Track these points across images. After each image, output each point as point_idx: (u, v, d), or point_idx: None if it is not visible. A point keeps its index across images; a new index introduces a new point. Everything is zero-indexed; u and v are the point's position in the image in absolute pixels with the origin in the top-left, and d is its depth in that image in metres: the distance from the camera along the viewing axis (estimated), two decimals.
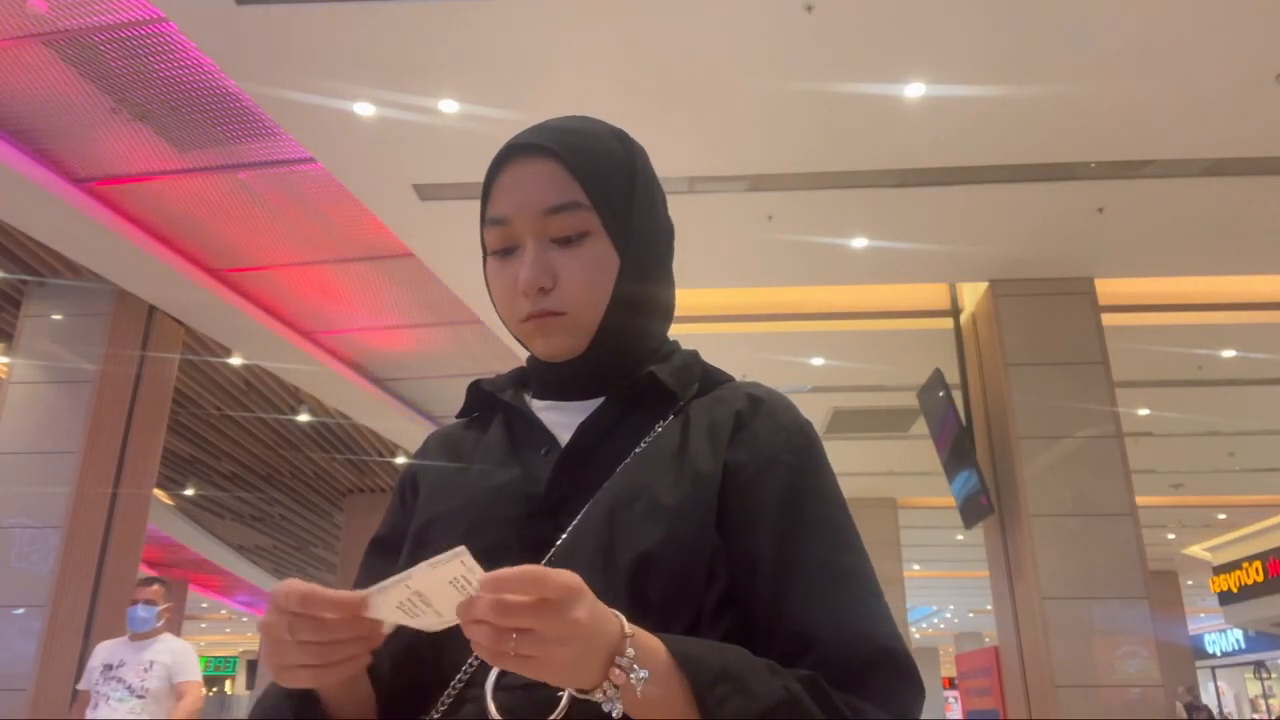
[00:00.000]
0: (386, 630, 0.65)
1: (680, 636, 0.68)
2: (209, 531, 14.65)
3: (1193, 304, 6.52)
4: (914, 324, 6.83)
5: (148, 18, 4.33)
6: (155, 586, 4.26)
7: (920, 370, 6.57)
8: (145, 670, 4.05)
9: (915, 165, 4.92)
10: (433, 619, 0.60)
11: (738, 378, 0.91)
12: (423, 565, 0.56)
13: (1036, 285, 5.98)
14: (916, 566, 15.78)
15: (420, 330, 7.87)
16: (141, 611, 4.16)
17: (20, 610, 6.18)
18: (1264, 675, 21.03)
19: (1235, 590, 14.17)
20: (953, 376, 6.42)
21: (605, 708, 0.60)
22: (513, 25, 3.88)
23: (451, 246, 5.56)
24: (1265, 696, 21.47)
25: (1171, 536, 13.88)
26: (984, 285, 6.22)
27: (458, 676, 0.73)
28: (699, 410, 0.84)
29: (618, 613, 0.64)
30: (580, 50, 4.05)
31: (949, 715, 20.09)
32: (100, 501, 6.65)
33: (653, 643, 0.64)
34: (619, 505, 0.76)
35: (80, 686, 4.20)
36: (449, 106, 4.35)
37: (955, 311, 6.70)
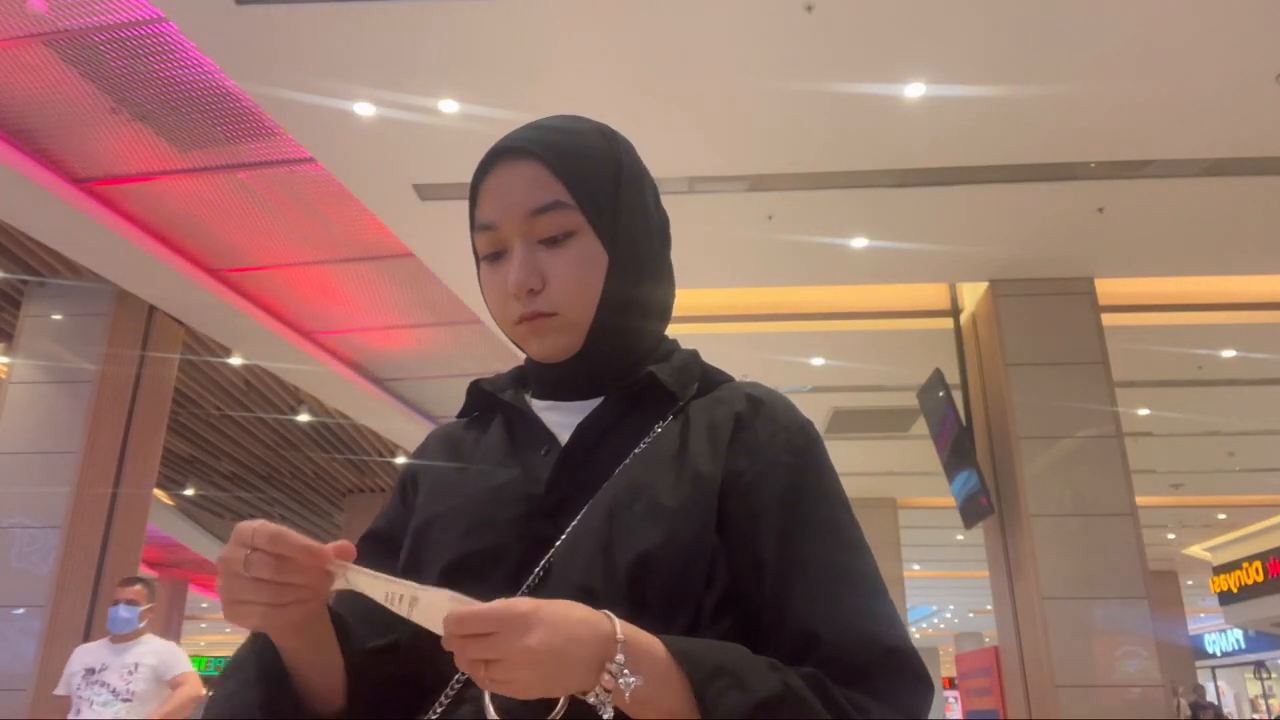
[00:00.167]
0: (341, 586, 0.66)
1: (680, 637, 0.68)
2: (209, 531, 14.64)
3: (1193, 304, 6.52)
4: (914, 324, 6.82)
5: (148, 18, 4.33)
6: (137, 586, 4.12)
7: (920, 370, 6.57)
8: (130, 673, 3.93)
9: (915, 165, 4.92)
10: (416, 620, 0.64)
11: (738, 378, 0.91)
12: (430, 588, 0.63)
13: (1036, 285, 5.98)
14: (916, 566, 15.79)
15: (420, 330, 7.87)
16: (123, 612, 4.02)
17: (20, 610, 6.18)
18: (1264, 675, 21.03)
19: (1235, 590, 14.17)
20: (953, 376, 6.42)
21: (599, 710, 0.61)
22: (513, 25, 3.88)
23: (451, 246, 5.56)
24: (1265, 696, 21.47)
25: (1171, 536, 13.88)
26: (984, 285, 6.22)
27: (456, 676, 0.73)
28: (698, 411, 0.84)
29: (613, 616, 0.64)
30: (580, 50, 4.05)
31: (949, 715, 20.09)
32: (100, 501, 6.65)
33: (650, 643, 0.65)
34: (619, 506, 0.76)
35: (58, 692, 4.04)
36: (449, 106, 4.35)
37: (955, 311, 6.70)
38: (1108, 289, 6.12)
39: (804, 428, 0.84)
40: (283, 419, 10.00)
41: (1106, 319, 5.94)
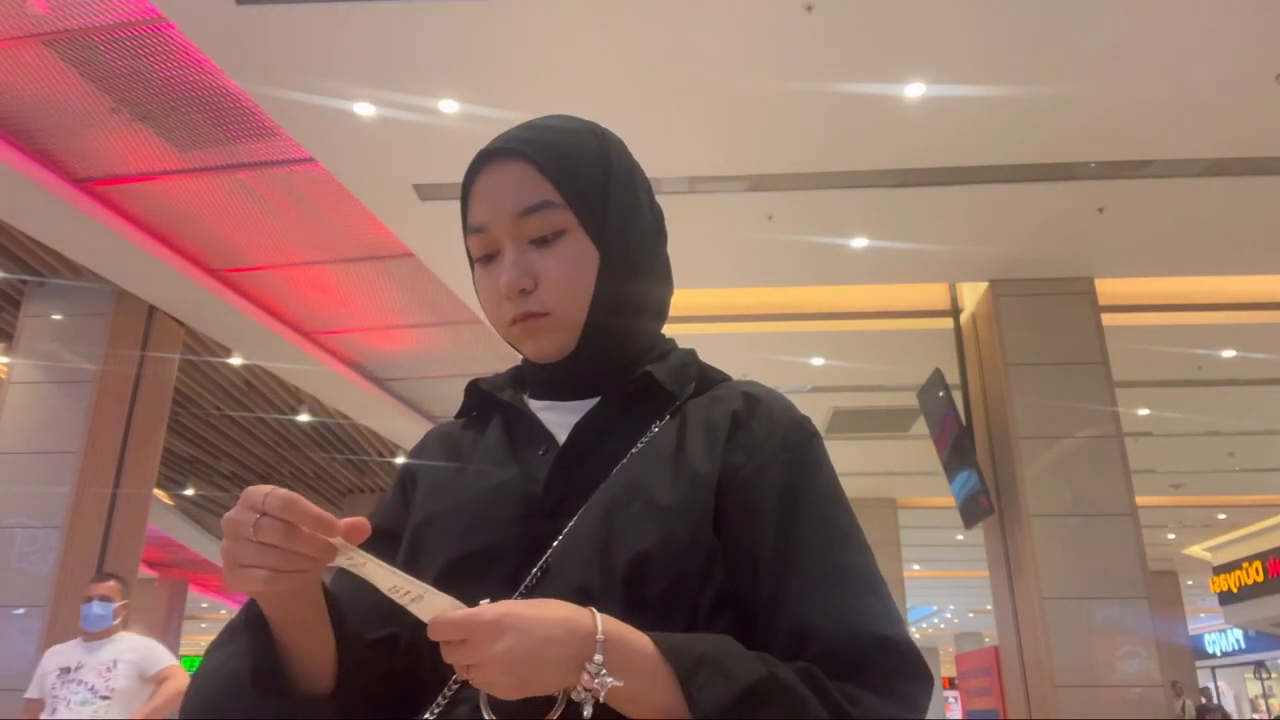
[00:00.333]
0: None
1: (672, 633, 0.68)
2: (209, 531, 14.65)
3: (1193, 304, 6.53)
4: (914, 324, 6.83)
5: (148, 18, 4.33)
6: (111, 583, 3.98)
7: (920, 370, 6.57)
8: (108, 670, 3.81)
9: (915, 165, 4.92)
10: (414, 611, 0.65)
11: (737, 377, 0.91)
12: (436, 592, 0.64)
13: (1036, 285, 5.98)
14: (916, 566, 15.79)
15: (420, 330, 7.87)
16: (97, 609, 3.89)
17: (20, 610, 6.18)
18: (1264, 675, 21.04)
19: (1235, 590, 14.17)
20: (953, 376, 6.42)
21: (581, 708, 0.62)
22: (513, 25, 3.88)
23: (451, 246, 5.54)
24: (1265, 696, 21.48)
25: (1171, 536, 13.88)
26: (984, 285, 6.22)
27: (454, 677, 0.73)
28: (696, 410, 0.84)
29: (596, 613, 0.65)
30: (580, 50, 4.05)
31: (949, 715, 20.10)
32: (100, 501, 6.65)
33: (637, 640, 0.65)
34: (616, 505, 0.76)
35: (30, 694, 3.89)
36: (449, 106, 4.35)
37: (955, 311, 6.70)
38: (1108, 289, 6.12)
39: (801, 425, 0.84)
40: (283, 419, 10.00)
41: (1106, 319, 5.94)
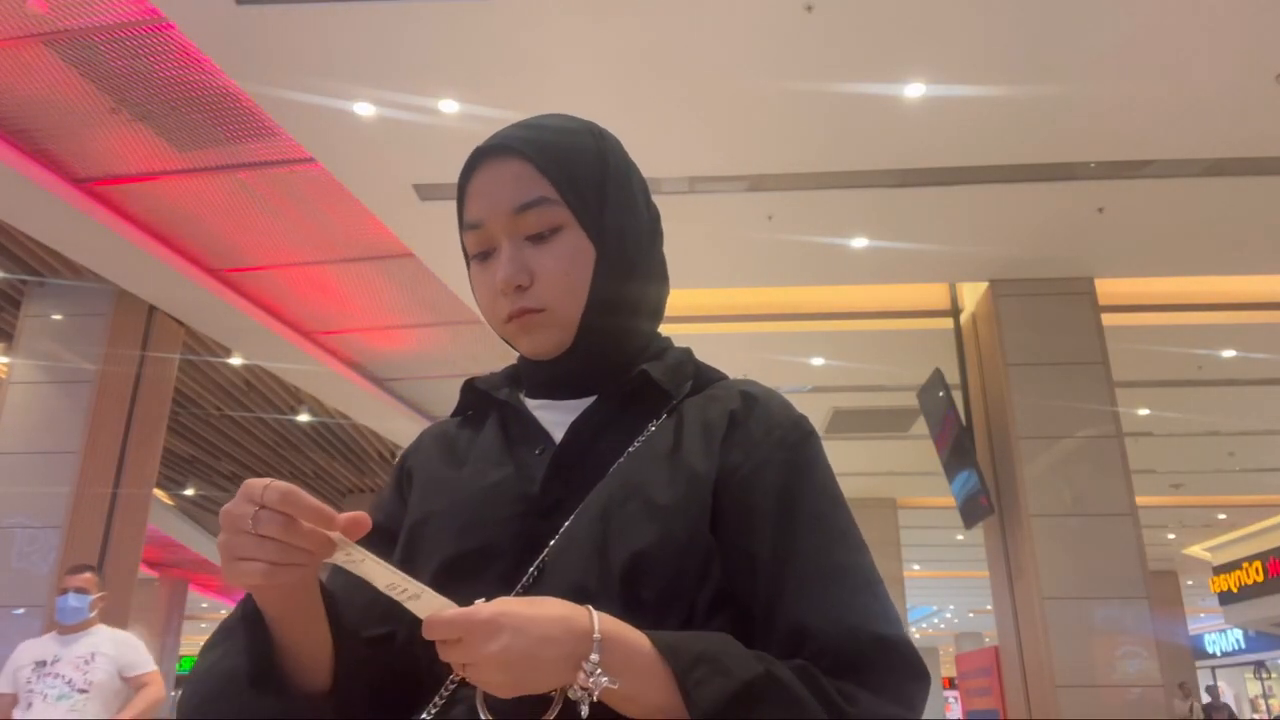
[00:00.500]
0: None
1: (668, 631, 0.68)
2: (209, 531, 14.65)
3: (1193, 304, 6.53)
4: (914, 324, 6.83)
5: (148, 18, 4.33)
6: (87, 574, 3.89)
7: (920, 370, 6.58)
8: (86, 663, 3.72)
9: (915, 165, 4.92)
10: (412, 609, 0.65)
11: (737, 377, 0.91)
12: (433, 593, 0.64)
13: (1036, 285, 5.98)
14: (916, 566, 15.79)
15: (420, 330, 7.87)
16: (72, 601, 3.79)
17: (20, 610, 6.18)
18: (1264, 675, 21.05)
19: (1235, 590, 14.17)
20: (953, 376, 6.42)
21: (577, 707, 0.62)
22: (513, 25, 3.88)
23: (451, 246, 5.52)
24: (1265, 696, 21.48)
25: (1171, 536, 13.88)
26: (984, 285, 6.22)
27: (451, 676, 0.73)
28: (692, 409, 0.84)
29: (593, 612, 0.64)
30: (580, 50, 4.05)
31: (949, 715, 20.11)
32: (100, 501, 6.65)
33: (634, 638, 0.65)
34: (613, 504, 0.76)
35: (2, 689, 3.77)
36: (449, 106, 4.35)
37: (955, 311, 6.70)
38: (1108, 289, 6.12)
39: (798, 424, 0.84)
40: (283, 419, 10.00)
41: (1106, 319, 5.94)
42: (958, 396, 6.36)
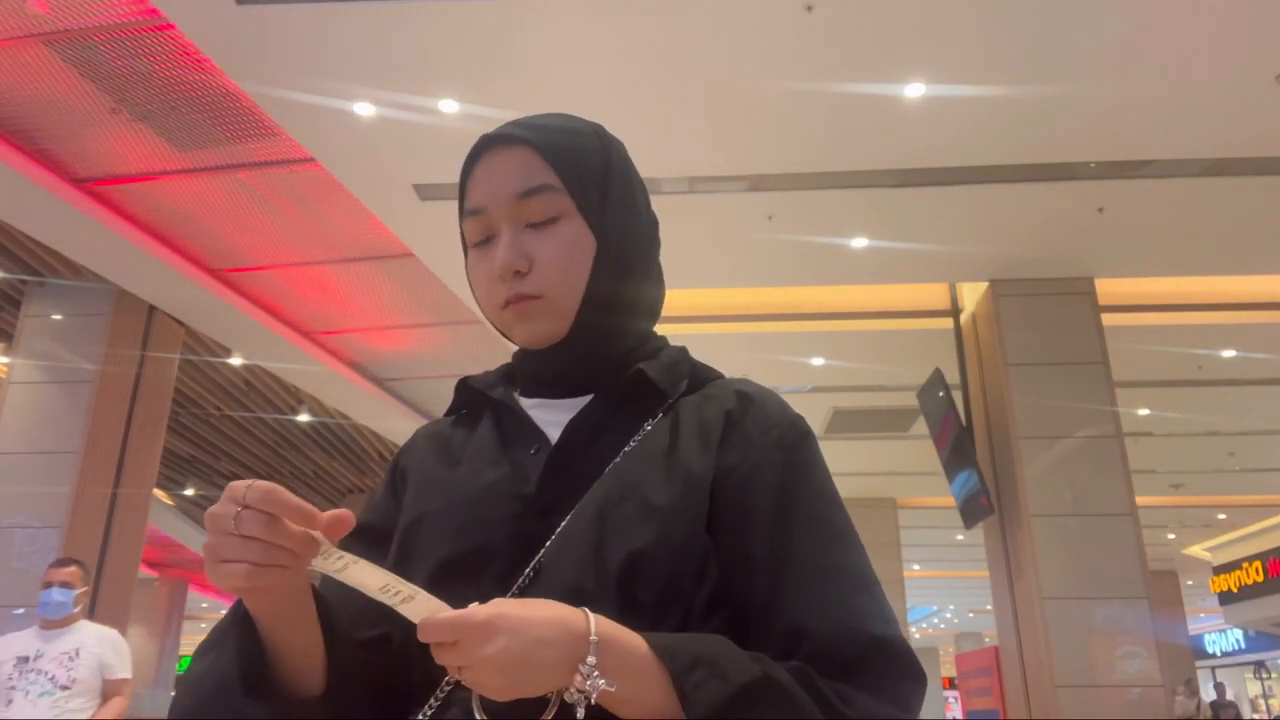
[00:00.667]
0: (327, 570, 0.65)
1: (665, 633, 0.68)
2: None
3: (1193, 304, 6.53)
4: (914, 324, 6.83)
5: (148, 18, 4.33)
6: (73, 568, 3.80)
7: (920, 370, 6.58)
8: (71, 659, 3.63)
9: (915, 165, 4.92)
10: (405, 613, 0.64)
11: (734, 376, 0.91)
12: (427, 595, 0.63)
13: (1036, 285, 5.98)
14: (916, 566, 15.79)
15: (420, 330, 7.87)
16: (57, 595, 3.69)
17: (20, 610, 6.17)
18: (1264, 675, 21.05)
19: (1235, 590, 14.18)
20: (953, 376, 6.42)
21: (575, 710, 0.62)
22: (513, 25, 3.88)
23: (451, 246, 5.53)
24: (1265, 696, 21.49)
25: (1171, 536, 13.88)
26: (984, 285, 6.22)
27: (447, 678, 0.72)
28: (688, 408, 0.84)
29: (590, 614, 0.64)
30: (580, 50, 4.05)
31: (949, 715, 20.10)
32: (100, 501, 6.65)
33: (630, 640, 0.65)
34: (609, 505, 0.76)
35: None
36: (449, 106, 4.35)
37: (955, 311, 6.70)
38: (1108, 289, 6.12)
39: (794, 423, 0.83)
40: (283, 419, 10.00)
41: (1106, 319, 5.94)
42: (958, 396, 6.36)
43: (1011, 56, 4.07)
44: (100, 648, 3.72)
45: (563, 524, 0.76)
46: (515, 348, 0.90)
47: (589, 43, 4.00)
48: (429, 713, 0.73)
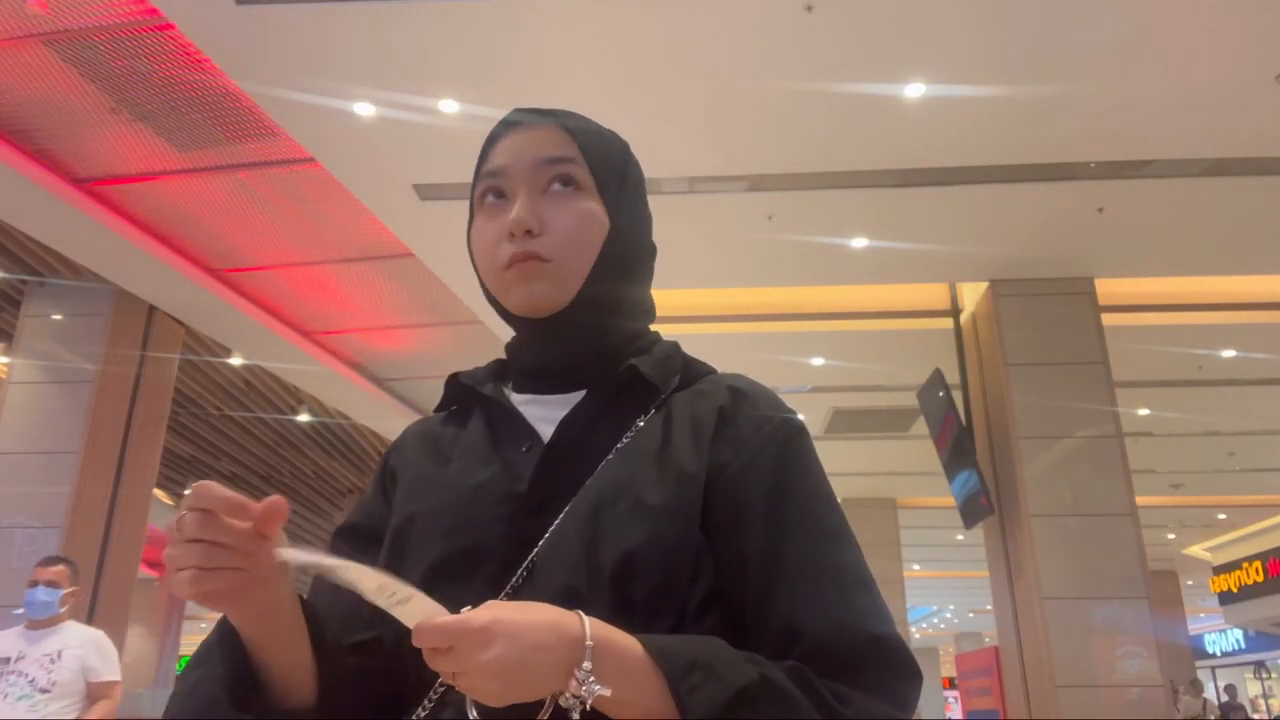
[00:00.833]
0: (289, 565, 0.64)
1: (660, 635, 0.67)
2: None
3: (1193, 304, 6.53)
4: (914, 324, 6.83)
5: (148, 18, 4.33)
6: (60, 566, 3.70)
7: (920, 370, 6.57)
8: (52, 660, 3.51)
9: (915, 165, 4.92)
10: (399, 617, 0.63)
11: (729, 372, 0.91)
12: (424, 597, 0.63)
13: (1036, 285, 5.98)
14: (916, 566, 15.79)
15: (420, 330, 7.87)
16: (42, 594, 3.59)
17: (20, 610, 6.17)
18: (1264, 675, 21.05)
19: (1235, 590, 14.17)
20: (953, 376, 6.42)
21: (569, 714, 0.62)
22: (513, 25, 3.88)
23: (451, 246, 5.56)
24: (1265, 696, 21.49)
25: (1171, 536, 13.88)
26: (984, 285, 6.22)
27: (440, 679, 0.72)
28: (681, 404, 0.83)
29: (584, 617, 0.64)
30: (580, 50, 4.05)
31: (949, 715, 20.10)
32: (100, 501, 6.65)
33: (625, 643, 0.64)
34: (602, 504, 0.75)
35: None
36: (449, 106, 4.35)
37: (955, 311, 6.70)
38: (1108, 289, 6.12)
39: (787, 420, 0.83)
40: (283, 419, 10.00)
41: (1106, 319, 5.94)
42: (958, 396, 6.36)
43: (1011, 56, 4.07)
44: (83, 650, 3.60)
45: (555, 523, 0.75)
46: (506, 308, 0.88)
47: (589, 42, 4.00)
48: (423, 714, 0.72)
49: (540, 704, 0.63)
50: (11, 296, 7.30)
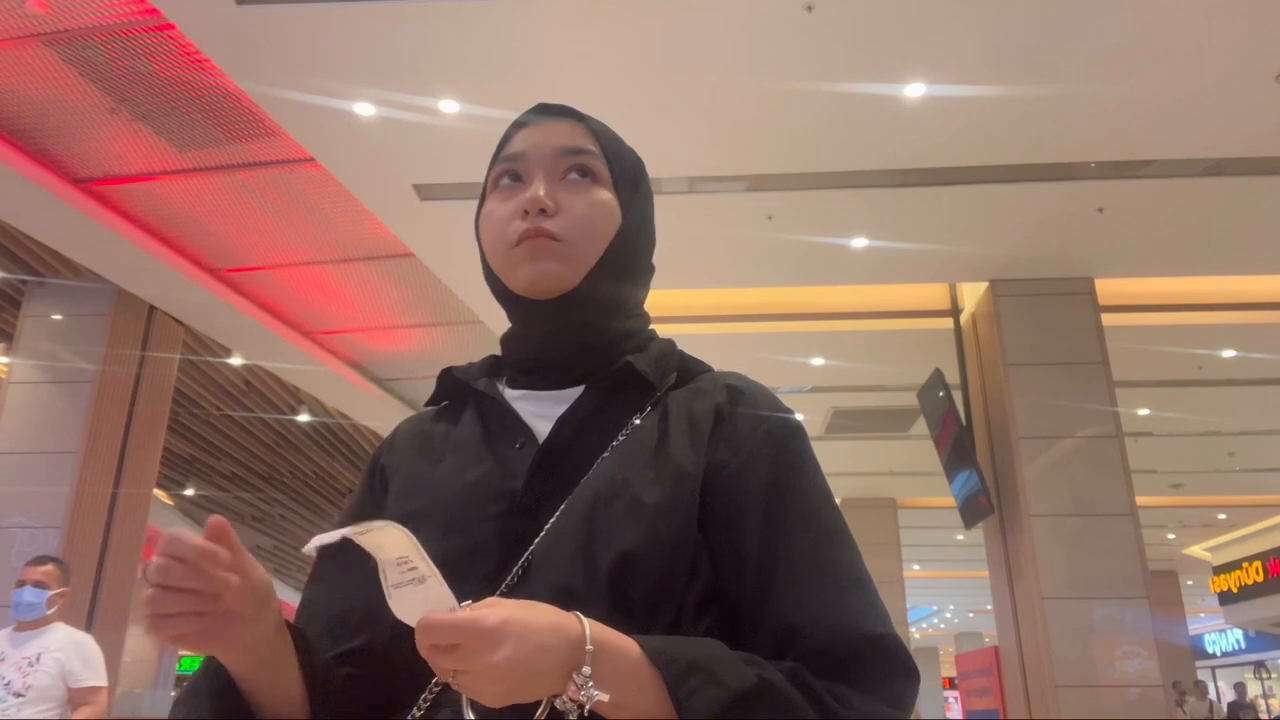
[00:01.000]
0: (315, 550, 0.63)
1: (657, 636, 0.67)
2: None
3: (1193, 304, 6.52)
4: (914, 324, 6.83)
5: (148, 18, 4.33)
6: (49, 566, 3.53)
7: (920, 370, 6.57)
8: (30, 664, 3.35)
9: (915, 165, 4.92)
10: (396, 604, 0.62)
11: (725, 370, 0.91)
12: (443, 585, 0.61)
13: (1036, 285, 5.98)
14: (916, 566, 15.79)
15: (420, 330, 7.87)
16: (28, 595, 3.42)
17: None
18: (1264, 675, 21.03)
19: (1235, 590, 14.18)
20: (953, 376, 6.42)
21: (566, 717, 0.61)
22: (513, 25, 3.88)
23: (451, 246, 5.56)
24: (1265, 696, 21.47)
25: (1171, 536, 13.88)
26: (984, 285, 6.22)
27: (434, 681, 0.71)
28: (677, 402, 0.83)
29: (583, 619, 0.63)
30: (580, 50, 4.05)
31: (949, 715, 20.10)
32: (100, 501, 6.65)
33: (623, 645, 0.64)
34: (599, 503, 0.75)
35: None
36: (449, 106, 4.35)
37: (955, 311, 6.70)
38: (1108, 289, 6.12)
39: (785, 419, 0.83)
40: (283, 419, 10.00)
41: (1106, 319, 5.94)
42: (958, 396, 6.36)
43: (1011, 56, 4.07)
44: (64, 653, 3.44)
45: (551, 521, 0.75)
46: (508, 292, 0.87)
47: (589, 43, 4.00)
48: (418, 714, 0.72)
49: (535, 704, 0.63)
50: (11, 296, 7.30)
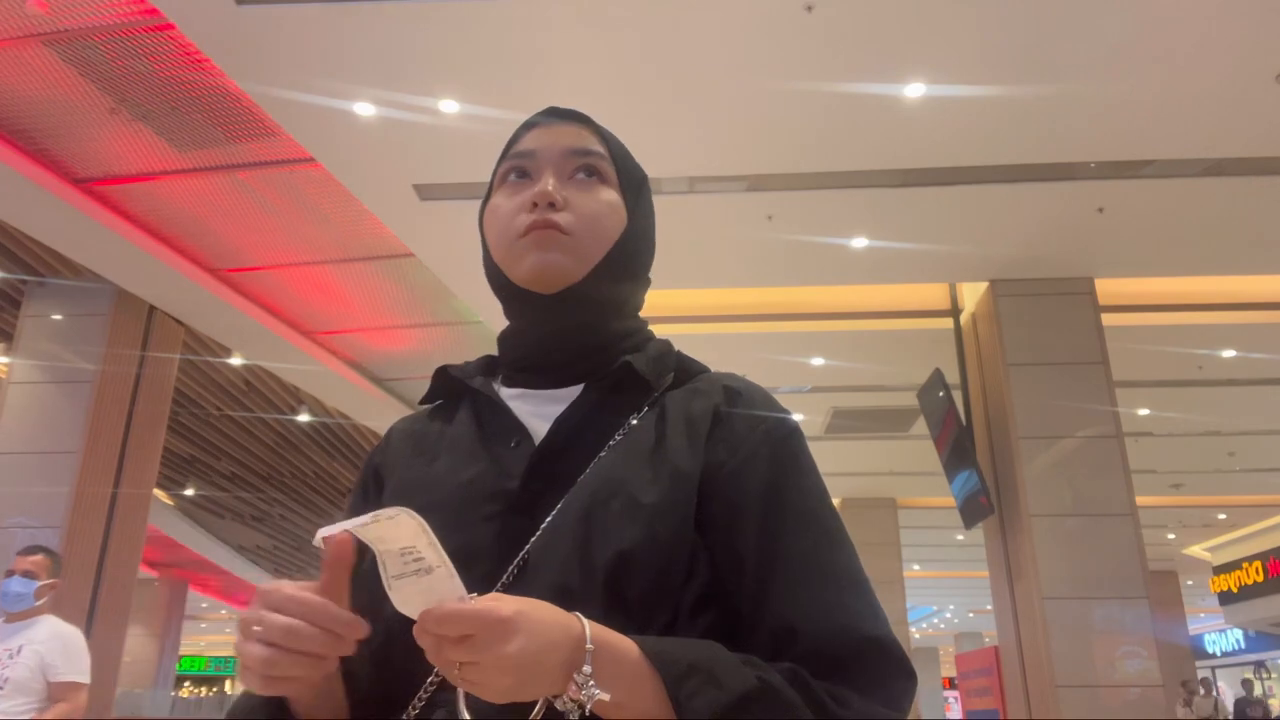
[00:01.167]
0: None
1: (656, 636, 0.67)
2: (209, 531, 14.65)
3: (1193, 304, 6.53)
4: (914, 324, 6.83)
5: (148, 18, 4.33)
6: (39, 556, 3.42)
7: (920, 370, 6.57)
8: (11, 656, 3.25)
9: (915, 165, 4.92)
10: (396, 594, 0.61)
11: (723, 371, 0.91)
12: (451, 574, 0.59)
13: (1036, 285, 5.98)
14: (916, 566, 15.79)
15: (420, 330, 7.87)
16: (16, 585, 3.32)
17: None
18: (1264, 675, 21.03)
19: (1235, 590, 14.18)
20: (953, 376, 6.42)
21: (567, 718, 0.61)
22: (513, 25, 3.88)
23: (451, 246, 5.56)
24: (1265, 696, 21.47)
25: (1171, 536, 13.88)
26: (984, 285, 6.22)
27: (430, 679, 0.71)
28: (674, 402, 0.83)
29: (583, 619, 0.63)
30: (580, 50, 4.05)
31: (949, 715, 20.10)
32: (100, 501, 6.65)
33: (622, 645, 0.64)
34: (596, 503, 0.74)
35: None
36: (449, 106, 4.35)
37: (955, 311, 6.70)
38: (1108, 289, 6.12)
39: (783, 419, 0.83)
40: (283, 419, 10.00)
41: (1106, 319, 5.94)
42: (958, 396, 6.36)
43: (1011, 56, 4.07)
44: (46, 646, 3.31)
45: (547, 521, 0.75)
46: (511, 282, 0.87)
47: (589, 43, 4.00)
48: (414, 713, 0.71)
49: (529, 706, 0.62)
50: (11, 296, 7.30)
